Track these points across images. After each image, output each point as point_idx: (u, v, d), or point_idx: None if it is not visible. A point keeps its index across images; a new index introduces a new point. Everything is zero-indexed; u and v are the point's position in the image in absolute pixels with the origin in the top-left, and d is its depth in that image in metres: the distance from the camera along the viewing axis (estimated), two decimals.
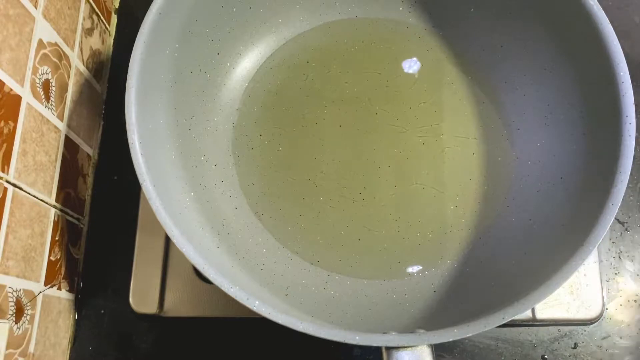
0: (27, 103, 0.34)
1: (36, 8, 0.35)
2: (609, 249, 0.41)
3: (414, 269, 0.37)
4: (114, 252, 0.41)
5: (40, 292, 0.35)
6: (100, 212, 0.43)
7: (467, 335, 0.27)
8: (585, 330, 0.40)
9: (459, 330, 0.27)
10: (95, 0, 0.44)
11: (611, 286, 0.41)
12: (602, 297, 0.39)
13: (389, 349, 0.27)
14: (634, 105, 0.31)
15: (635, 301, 0.41)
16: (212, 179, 0.38)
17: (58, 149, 0.38)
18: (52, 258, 0.37)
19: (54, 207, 0.37)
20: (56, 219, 0.37)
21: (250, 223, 0.38)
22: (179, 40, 0.36)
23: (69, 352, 0.39)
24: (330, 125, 0.40)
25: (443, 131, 0.40)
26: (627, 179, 0.30)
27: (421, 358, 0.27)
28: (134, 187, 0.41)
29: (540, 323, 0.39)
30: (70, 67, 0.40)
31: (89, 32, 0.43)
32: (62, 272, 0.38)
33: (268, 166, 0.40)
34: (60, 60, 0.38)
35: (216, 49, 0.39)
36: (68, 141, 0.39)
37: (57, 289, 0.38)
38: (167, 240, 0.39)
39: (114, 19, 0.47)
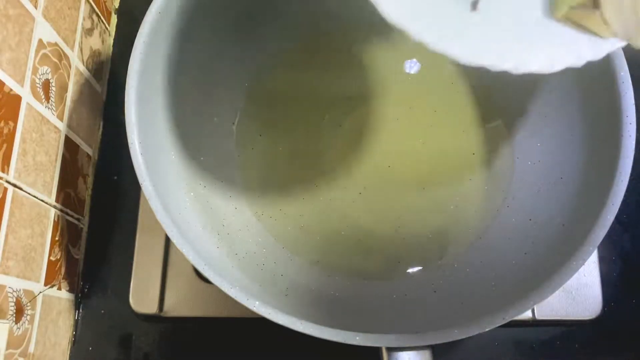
0: (27, 103, 0.34)
1: (36, 8, 0.35)
2: (609, 249, 0.41)
3: (414, 269, 0.37)
4: (114, 252, 0.41)
5: (40, 292, 0.35)
6: (100, 212, 0.42)
7: (468, 336, 0.27)
8: (585, 330, 0.40)
9: (459, 331, 0.27)
10: (95, 0, 0.44)
11: (611, 286, 0.41)
12: (602, 297, 0.39)
13: (389, 349, 0.27)
14: (634, 105, 0.31)
15: (635, 301, 0.41)
16: (212, 179, 0.38)
17: (58, 149, 0.38)
18: (52, 258, 0.37)
19: (54, 207, 0.37)
20: (56, 219, 0.37)
21: (250, 223, 0.38)
22: (179, 40, 0.36)
23: (69, 352, 0.39)
24: (330, 125, 0.40)
25: (443, 131, 0.40)
26: (627, 179, 0.30)
27: (421, 359, 0.27)
28: (134, 187, 0.41)
29: (540, 323, 0.39)
30: (70, 67, 0.40)
31: (89, 32, 0.43)
32: (62, 272, 0.38)
33: (268, 166, 0.40)
34: (60, 60, 0.38)
35: (216, 49, 0.39)
36: (68, 141, 0.39)
37: (57, 289, 0.38)
38: (167, 240, 0.39)
39: (114, 19, 0.47)
